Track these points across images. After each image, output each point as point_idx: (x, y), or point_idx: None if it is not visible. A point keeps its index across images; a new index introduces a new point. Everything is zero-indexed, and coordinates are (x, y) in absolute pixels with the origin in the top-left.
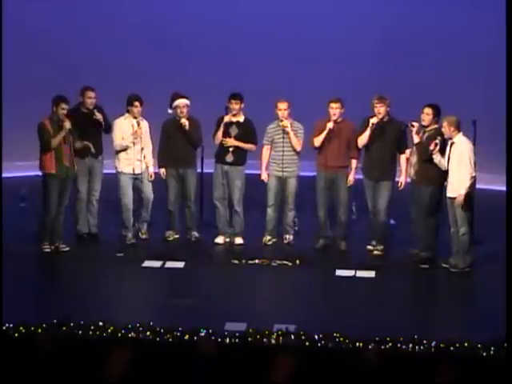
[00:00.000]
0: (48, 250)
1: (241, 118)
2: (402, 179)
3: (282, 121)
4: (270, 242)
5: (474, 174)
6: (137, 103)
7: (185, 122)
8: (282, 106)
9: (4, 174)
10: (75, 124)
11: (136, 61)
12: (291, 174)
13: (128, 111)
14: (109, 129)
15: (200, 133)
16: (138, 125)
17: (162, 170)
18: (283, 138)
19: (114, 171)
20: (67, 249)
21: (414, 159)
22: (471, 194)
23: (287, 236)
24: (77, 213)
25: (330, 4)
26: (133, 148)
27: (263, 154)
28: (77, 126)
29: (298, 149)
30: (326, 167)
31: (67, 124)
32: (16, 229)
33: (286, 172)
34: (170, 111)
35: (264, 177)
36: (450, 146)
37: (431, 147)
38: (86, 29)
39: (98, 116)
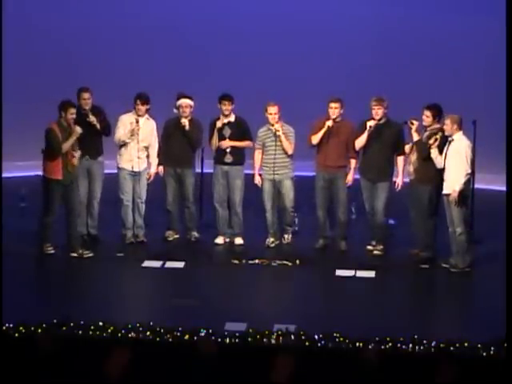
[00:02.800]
0: (52, 252)
1: (232, 118)
2: (399, 180)
3: (272, 125)
4: (273, 245)
5: (469, 171)
6: (138, 101)
7: (185, 121)
8: (273, 110)
9: (4, 174)
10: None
11: (137, 61)
12: (283, 177)
13: (135, 108)
14: (107, 131)
15: (200, 135)
16: (137, 122)
17: (160, 168)
18: (275, 141)
19: (114, 171)
20: (91, 254)
21: (413, 157)
22: (466, 192)
23: (286, 236)
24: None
25: (330, 5)
26: (134, 145)
27: (255, 158)
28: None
29: (290, 152)
30: (325, 167)
31: (78, 129)
32: (16, 229)
33: (278, 175)
34: (175, 111)
35: (257, 180)
36: (449, 144)
37: (431, 141)
38: (87, 28)
39: (92, 118)
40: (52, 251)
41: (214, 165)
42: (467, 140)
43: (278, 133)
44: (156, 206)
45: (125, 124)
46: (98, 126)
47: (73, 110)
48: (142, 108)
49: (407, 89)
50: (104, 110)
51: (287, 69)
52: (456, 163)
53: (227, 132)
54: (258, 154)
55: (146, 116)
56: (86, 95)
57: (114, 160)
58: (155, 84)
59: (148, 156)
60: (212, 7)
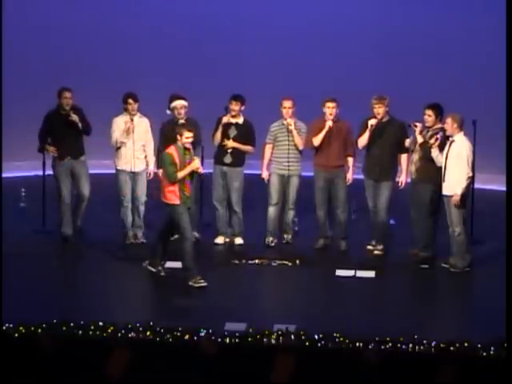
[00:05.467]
0: (204, 284)
1: (240, 120)
2: (403, 178)
3: (285, 119)
4: (273, 244)
5: (471, 174)
6: (130, 100)
7: (182, 123)
8: (287, 103)
9: (4, 174)
10: (53, 126)
11: (136, 61)
12: (295, 173)
13: (125, 109)
14: (88, 130)
15: (198, 133)
16: (132, 121)
17: (160, 171)
18: (288, 136)
19: (103, 171)
20: (205, 284)
21: (415, 157)
22: (466, 193)
23: (286, 235)
24: (60, 214)
25: (331, 4)
26: (130, 145)
27: (265, 153)
28: (55, 129)
29: (301, 147)
30: (325, 167)
31: (197, 161)
32: (16, 229)
33: (292, 170)
34: (168, 112)
35: (265, 175)
36: (450, 144)
37: (432, 141)
38: (87, 28)
39: (74, 117)
40: (204, 284)
41: (213, 165)
42: (468, 142)
43: (290, 127)
44: (156, 206)
45: (119, 126)
46: (80, 125)
47: (188, 134)
48: (135, 106)
49: (407, 88)
50: (82, 109)
51: (288, 69)
52: (457, 166)
53: (233, 132)
54: (268, 149)
55: (139, 115)
56: (67, 94)
57: (111, 160)
58: (156, 83)
59: (145, 155)
60: (213, 6)
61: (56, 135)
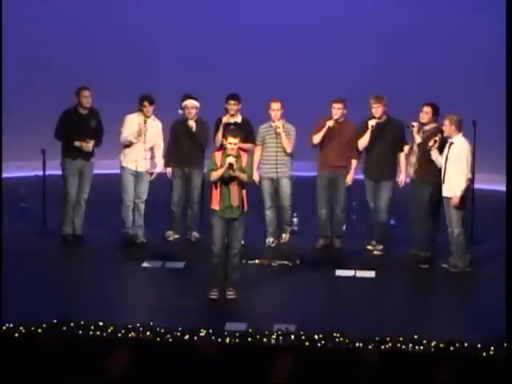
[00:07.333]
0: (215, 297)
1: (238, 119)
2: (402, 177)
3: (274, 121)
4: (273, 244)
5: (469, 176)
6: (145, 103)
7: (192, 124)
8: (275, 106)
9: (4, 174)
10: (73, 125)
11: (138, 61)
12: (284, 175)
13: (140, 110)
14: (101, 139)
15: (207, 135)
16: (145, 123)
17: (168, 170)
18: (276, 138)
19: (113, 171)
20: (234, 296)
21: (413, 159)
22: (466, 195)
23: (283, 235)
24: (63, 214)
25: (330, 4)
26: (140, 146)
27: (255, 155)
28: (75, 127)
29: (289, 150)
30: (328, 166)
31: (230, 158)
32: (16, 229)
33: (280, 173)
34: (180, 112)
35: (256, 177)
36: (449, 146)
37: (430, 143)
38: (89, 28)
39: (92, 123)
40: (215, 296)
41: None
42: (467, 143)
43: (278, 130)
44: (157, 205)
45: (131, 124)
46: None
47: (231, 140)
48: (150, 109)
49: (407, 88)
50: (98, 111)
51: (290, 69)
52: (456, 167)
53: None
54: (257, 151)
55: (153, 117)
56: (86, 93)
57: (111, 160)
58: (158, 84)
59: (152, 156)
60: (211, 7)
61: (72, 134)
